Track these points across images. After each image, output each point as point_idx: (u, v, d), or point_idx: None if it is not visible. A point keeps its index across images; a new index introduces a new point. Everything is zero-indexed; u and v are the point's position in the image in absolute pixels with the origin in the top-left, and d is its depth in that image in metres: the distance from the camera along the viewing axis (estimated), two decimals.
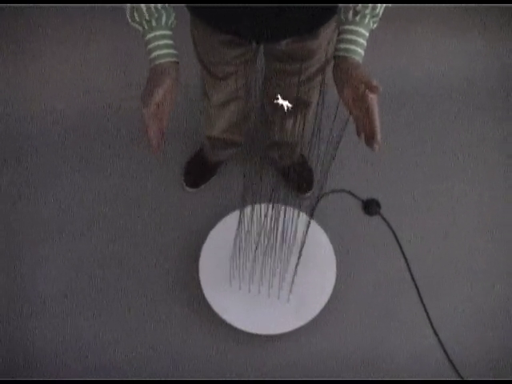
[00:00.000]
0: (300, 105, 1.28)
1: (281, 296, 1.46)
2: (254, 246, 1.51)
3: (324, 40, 1.04)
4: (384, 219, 1.68)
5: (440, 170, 1.77)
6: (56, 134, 1.81)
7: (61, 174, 1.75)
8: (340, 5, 0.86)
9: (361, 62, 0.84)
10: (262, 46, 1.12)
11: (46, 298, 1.57)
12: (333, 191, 1.72)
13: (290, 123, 1.39)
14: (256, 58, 1.17)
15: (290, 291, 1.46)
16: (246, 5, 0.86)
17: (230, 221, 1.54)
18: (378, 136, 0.78)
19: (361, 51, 0.84)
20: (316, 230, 1.55)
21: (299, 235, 1.52)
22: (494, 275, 1.61)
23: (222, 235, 1.52)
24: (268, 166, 1.74)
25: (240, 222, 1.47)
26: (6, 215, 1.69)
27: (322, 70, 1.14)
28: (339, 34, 0.85)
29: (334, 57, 0.84)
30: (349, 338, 1.53)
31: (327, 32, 1.02)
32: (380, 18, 0.86)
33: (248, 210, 1.41)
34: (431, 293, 1.58)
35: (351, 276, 1.59)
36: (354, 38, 0.83)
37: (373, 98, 0.78)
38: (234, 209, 1.57)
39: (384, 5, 0.84)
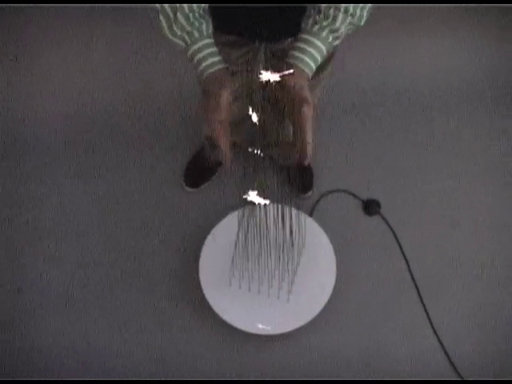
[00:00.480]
0: None
1: (281, 296, 1.46)
2: (253, 246, 1.51)
3: None
4: (384, 219, 1.68)
5: (440, 169, 1.77)
6: (56, 134, 1.80)
7: (61, 175, 1.75)
8: (309, 5, 0.83)
9: (308, 73, 0.81)
10: (263, 45, 1.12)
11: (47, 299, 1.57)
12: (333, 191, 1.72)
13: (289, 123, 1.39)
14: (257, 57, 1.17)
15: (290, 291, 1.46)
16: (247, 5, 0.86)
17: (230, 221, 1.54)
18: (308, 152, 0.75)
19: (310, 62, 0.81)
20: (316, 230, 1.55)
21: (299, 235, 1.52)
22: (494, 275, 1.61)
23: (222, 235, 1.52)
24: (268, 165, 1.74)
25: (240, 222, 1.47)
26: (9, 217, 1.69)
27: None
28: (294, 41, 0.83)
29: (286, 62, 0.82)
30: (349, 338, 1.53)
31: None
32: (341, 36, 0.83)
33: (248, 210, 1.41)
34: (431, 293, 1.58)
35: (351, 276, 1.59)
36: (306, 47, 0.81)
37: (305, 113, 0.75)
38: (233, 209, 1.56)
39: (347, 21, 0.80)
